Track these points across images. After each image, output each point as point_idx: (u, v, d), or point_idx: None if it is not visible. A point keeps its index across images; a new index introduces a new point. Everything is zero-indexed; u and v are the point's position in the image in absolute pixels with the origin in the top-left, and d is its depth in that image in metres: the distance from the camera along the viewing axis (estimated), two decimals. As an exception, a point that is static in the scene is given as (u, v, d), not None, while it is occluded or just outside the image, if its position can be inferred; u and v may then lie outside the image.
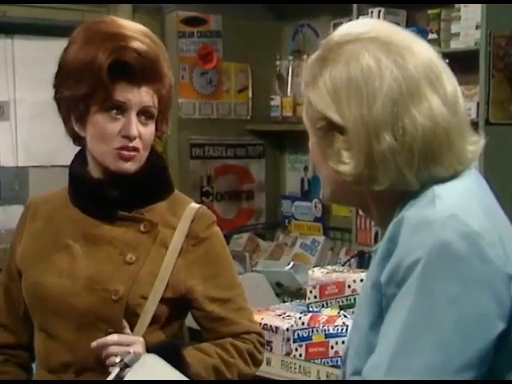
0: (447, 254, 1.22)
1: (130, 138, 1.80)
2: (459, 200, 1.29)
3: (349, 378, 1.36)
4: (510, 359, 1.26)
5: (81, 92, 1.80)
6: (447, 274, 1.22)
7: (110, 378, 1.67)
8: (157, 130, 1.88)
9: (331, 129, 1.33)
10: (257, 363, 1.92)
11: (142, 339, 1.76)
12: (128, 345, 1.72)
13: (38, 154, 3.85)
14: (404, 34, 1.36)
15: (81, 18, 3.72)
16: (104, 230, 1.85)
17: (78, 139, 1.89)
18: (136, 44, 1.78)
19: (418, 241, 1.24)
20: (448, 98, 1.32)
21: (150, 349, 1.75)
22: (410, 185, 1.31)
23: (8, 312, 1.94)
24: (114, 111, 1.80)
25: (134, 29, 1.84)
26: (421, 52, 1.33)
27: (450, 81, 1.34)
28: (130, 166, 1.82)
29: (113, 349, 1.72)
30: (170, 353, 1.76)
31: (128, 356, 1.68)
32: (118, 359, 1.69)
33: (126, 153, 1.81)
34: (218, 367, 1.84)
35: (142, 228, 1.85)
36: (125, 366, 1.67)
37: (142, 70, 1.78)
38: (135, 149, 1.81)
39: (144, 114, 1.82)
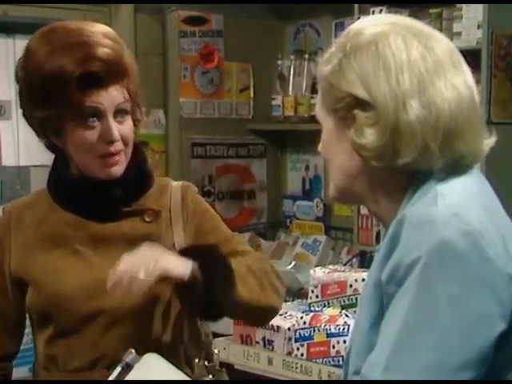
0: (447, 252, 1.22)
1: (113, 143, 1.79)
2: (461, 199, 1.29)
3: (350, 377, 1.37)
4: (510, 359, 1.26)
5: (51, 111, 1.78)
6: (447, 272, 1.22)
7: (112, 377, 1.67)
8: (135, 120, 1.87)
9: (354, 107, 1.33)
10: (275, 272, 1.90)
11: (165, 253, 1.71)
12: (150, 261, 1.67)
13: (39, 153, 3.83)
14: (423, 24, 1.39)
15: (82, 18, 3.71)
16: (111, 229, 1.86)
17: (54, 147, 1.88)
18: (99, 51, 1.75)
19: (419, 239, 1.24)
20: (468, 83, 1.35)
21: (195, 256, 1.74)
22: (434, 160, 1.31)
23: None
24: (90, 119, 1.78)
25: (91, 32, 1.80)
26: (443, 39, 1.37)
27: (468, 71, 1.37)
28: (117, 170, 1.83)
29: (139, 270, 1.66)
30: (219, 261, 1.77)
31: (130, 356, 1.68)
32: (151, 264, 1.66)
33: (110, 160, 1.80)
34: (251, 267, 1.84)
35: (146, 218, 1.87)
36: (126, 366, 1.67)
37: (107, 74, 1.76)
38: (118, 152, 1.81)
39: (119, 112, 1.80)
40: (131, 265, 1.67)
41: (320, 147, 1.44)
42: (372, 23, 1.38)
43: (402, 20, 1.39)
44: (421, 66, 1.31)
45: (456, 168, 1.33)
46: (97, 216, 1.86)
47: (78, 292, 1.82)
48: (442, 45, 1.36)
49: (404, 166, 1.31)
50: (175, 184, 1.96)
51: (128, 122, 1.83)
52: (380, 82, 1.31)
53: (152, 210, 1.88)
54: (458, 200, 1.29)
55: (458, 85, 1.33)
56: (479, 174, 1.39)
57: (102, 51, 1.76)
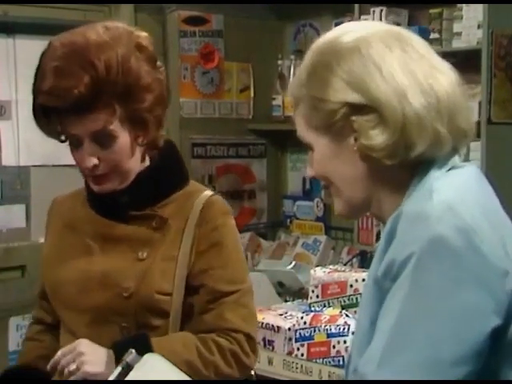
0: (441, 248, 1.23)
1: (87, 170, 1.82)
2: (456, 194, 1.30)
3: (350, 375, 1.37)
4: (507, 357, 1.26)
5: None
6: (440, 268, 1.22)
7: (112, 377, 1.67)
8: (138, 136, 1.84)
9: (350, 114, 1.33)
10: (242, 366, 1.84)
11: (82, 339, 1.77)
12: (72, 352, 1.75)
13: (39, 153, 3.85)
14: (399, 28, 1.42)
15: (83, 18, 3.71)
16: (119, 229, 1.88)
17: None
18: (73, 86, 1.72)
19: (414, 235, 1.25)
20: (450, 68, 1.39)
21: (116, 344, 1.77)
22: (445, 142, 1.33)
23: (45, 297, 2.00)
24: (73, 143, 1.82)
25: (86, 56, 1.75)
26: (420, 42, 1.40)
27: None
28: (109, 187, 1.85)
29: (64, 361, 1.75)
30: (137, 345, 1.73)
31: (130, 356, 1.68)
32: (74, 366, 1.72)
33: (94, 180, 1.84)
34: (193, 362, 1.79)
35: (153, 224, 1.87)
36: (127, 366, 1.67)
37: (75, 107, 1.73)
38: (100, 175, 1.82)
39: (101, 138, 1.79)
40: (58, 360, 1.76)
41: (315, 169, 1.42)
42: (344, 31, 1.39)
43: (373, 24, 1.43)
44: (407, 58, 1.33)
45: (459, 148, 1.36)
46: (108, 215, 1.90)
47: (70, 284, 1.86)
48: (420, 41, 1.39)
49: (417, 157, 1.32)
50: (204, 194, 1.90)
51: (117, 145, 1.81)
52: (378, 82, 1.31)
53: (159, 216, 1.87)
54: (453, 195, 1.29)
55: (445, 69, 1.36)
56: (477, 171, 1.39)
57: (72, 88, 1.72)
